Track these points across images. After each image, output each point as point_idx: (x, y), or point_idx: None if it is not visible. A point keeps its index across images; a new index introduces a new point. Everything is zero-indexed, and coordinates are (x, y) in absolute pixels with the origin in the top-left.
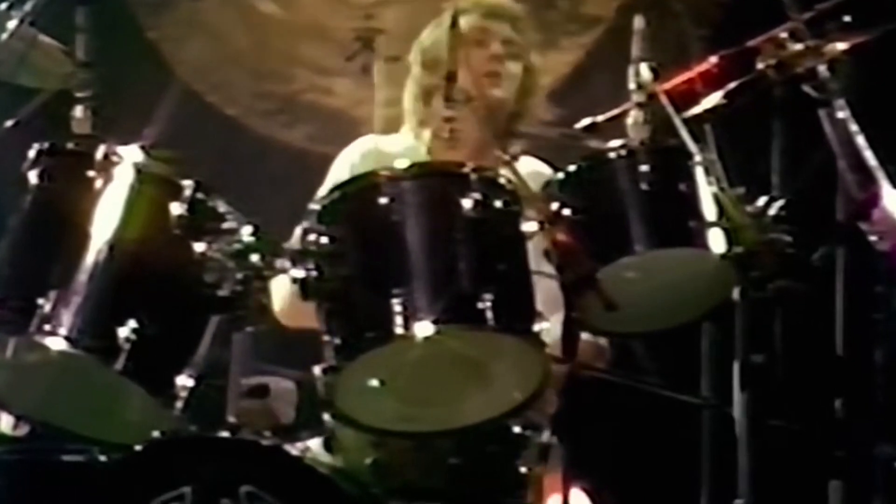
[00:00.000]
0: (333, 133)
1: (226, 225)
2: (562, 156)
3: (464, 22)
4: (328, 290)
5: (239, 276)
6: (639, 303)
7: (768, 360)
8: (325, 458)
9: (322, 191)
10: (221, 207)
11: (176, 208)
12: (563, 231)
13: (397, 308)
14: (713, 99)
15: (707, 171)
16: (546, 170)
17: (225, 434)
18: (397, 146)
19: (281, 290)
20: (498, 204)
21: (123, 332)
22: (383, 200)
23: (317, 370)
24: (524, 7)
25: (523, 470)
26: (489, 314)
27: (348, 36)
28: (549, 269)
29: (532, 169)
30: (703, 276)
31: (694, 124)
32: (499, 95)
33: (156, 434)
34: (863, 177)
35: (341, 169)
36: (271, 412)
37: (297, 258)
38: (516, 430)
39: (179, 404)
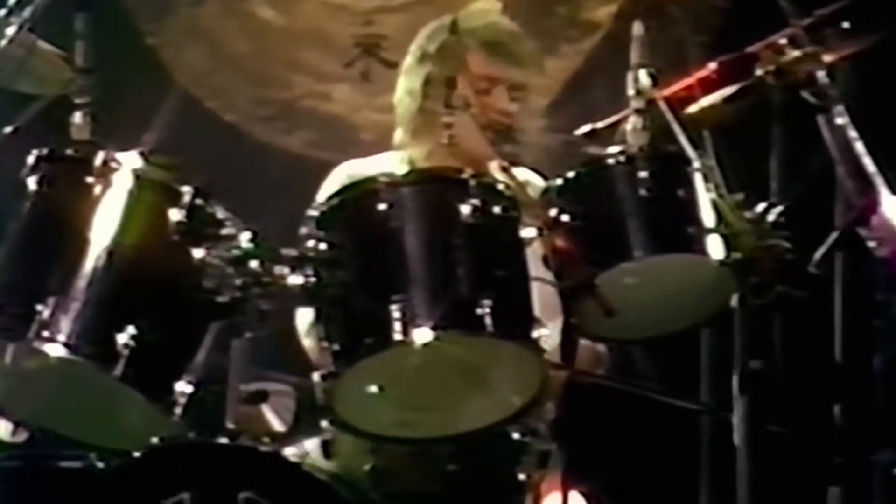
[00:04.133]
0: (332, 139)
1: (225, 231)
2: (560, 162)
3: (470, 60)
4: (327, 296)
5: (238, 282)
6: (638, 309)
7: (767, 366)
8: (324, 464)
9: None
10: (220, 213)
11: (175, 214)
12: (561, 237)
13: (396, 314)
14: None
15: (706, 178)
16: (538, 181)
17: (224, 440)
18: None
19: (304, 320)
20: (496, 210)
21: (122, 338)
22: (382, 206)
23: (316, 376)
24: (523, 11)
25: (522, 476)
26: (488, 320)
27: (347, 42)
28: (547, 275)
29: (524, 179)
30: (702, 283)
31: (692, 130)
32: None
33: (154, 440)
34: (861, 183)
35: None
36: (270, 418)
37: (296, 264)
38: (515, 436)
39: (178, 410)
